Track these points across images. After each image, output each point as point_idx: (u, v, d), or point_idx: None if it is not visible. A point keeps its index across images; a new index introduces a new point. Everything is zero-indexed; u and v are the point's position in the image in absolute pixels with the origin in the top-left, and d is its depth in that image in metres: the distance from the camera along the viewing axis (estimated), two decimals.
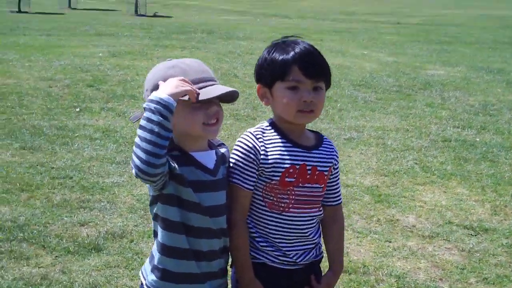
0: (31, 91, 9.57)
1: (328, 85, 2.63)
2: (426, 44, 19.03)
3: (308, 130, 2.76)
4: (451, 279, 4.61)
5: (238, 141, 2.63)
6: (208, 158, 2.56)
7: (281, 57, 2.57)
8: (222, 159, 2.62)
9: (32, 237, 4.83)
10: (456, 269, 4.74)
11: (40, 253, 4.64)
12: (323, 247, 2.83)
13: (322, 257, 2.81)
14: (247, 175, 2.59)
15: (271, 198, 2.61)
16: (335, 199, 2.83)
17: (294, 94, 2.54)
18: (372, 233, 5.29)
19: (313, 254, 2.73)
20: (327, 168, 2.69)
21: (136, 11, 31.98)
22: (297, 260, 2.66)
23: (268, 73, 2.60)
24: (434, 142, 8.01)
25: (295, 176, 2.59)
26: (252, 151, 2.58)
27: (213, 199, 2.52)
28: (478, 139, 8.23)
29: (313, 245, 2.73)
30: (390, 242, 5.16)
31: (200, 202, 2.46)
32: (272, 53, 2.60)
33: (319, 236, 2.78)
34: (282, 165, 2.58)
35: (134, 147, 2.29)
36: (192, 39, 17.18)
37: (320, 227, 2.80)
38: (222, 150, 2.67)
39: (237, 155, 2.61)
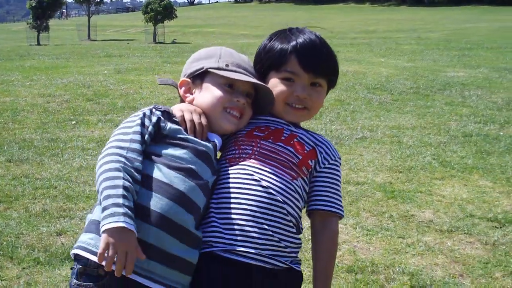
0: (27, 107, 9.17)
1: (332, 85, 2.33)
2: (447, 51, 18.40)
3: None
4: (473, 274, 3.96)
5: None
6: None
7: (280, 46, 2.24)
8: None
9: (0, 248, 4.30)
10: (479, 264, 4.10)
11: (6, 265, 4.09)
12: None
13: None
14: None
15: (234, 152, 2.19)
16: (325, 203, 2.20)
17: (287, 86, 2.20)
18: (383, 230, 4.67)
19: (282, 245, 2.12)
20: (310, 148, 2.22)
21: (154, 39, 32.25)
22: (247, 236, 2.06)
23: (264, 61, 2.28)
24: (454, 138, 7.38)
25: (266, 132, 2.22)
26: None
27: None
28: (501, 133, 7.60)
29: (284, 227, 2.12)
30: (404, 238, 4.53)
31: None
32: (273, 41, 2.28)
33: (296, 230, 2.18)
34: (253, 123, 2.27)
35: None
36: None
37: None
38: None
39: None
